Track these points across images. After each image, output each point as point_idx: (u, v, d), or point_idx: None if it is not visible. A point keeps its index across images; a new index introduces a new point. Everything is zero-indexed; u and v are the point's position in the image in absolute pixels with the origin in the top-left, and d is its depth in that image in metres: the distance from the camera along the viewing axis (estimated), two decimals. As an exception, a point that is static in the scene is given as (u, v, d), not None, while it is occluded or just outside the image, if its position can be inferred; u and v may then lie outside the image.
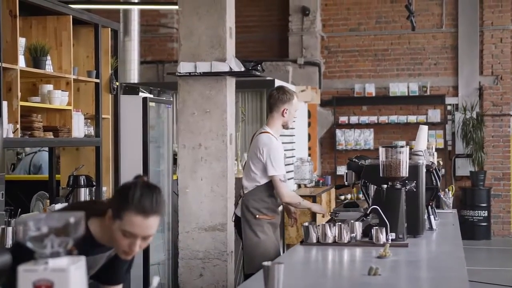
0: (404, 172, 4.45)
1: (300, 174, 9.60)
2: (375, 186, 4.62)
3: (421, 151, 5.17)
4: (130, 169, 6.13)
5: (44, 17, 5.15)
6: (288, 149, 9.92)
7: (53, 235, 1.79)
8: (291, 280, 3.22)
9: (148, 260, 6.22)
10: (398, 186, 4.46)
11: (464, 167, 12.63)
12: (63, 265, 1.77)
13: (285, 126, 5.24)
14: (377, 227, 4.27)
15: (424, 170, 4.77)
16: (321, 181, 10.91)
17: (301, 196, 8.75)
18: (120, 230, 2.53)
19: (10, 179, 7.26)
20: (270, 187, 5.11)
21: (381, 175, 4.48)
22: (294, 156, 10.19)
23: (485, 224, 12.33)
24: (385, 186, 4.45)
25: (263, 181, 5.09)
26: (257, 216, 5.10)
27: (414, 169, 4.60)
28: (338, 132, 13.01)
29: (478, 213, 12.29)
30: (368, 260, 3.74)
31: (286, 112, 5.16)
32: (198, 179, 5.66)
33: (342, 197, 12.16)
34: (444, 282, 3.30)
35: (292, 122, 5.28)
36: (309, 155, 12.17)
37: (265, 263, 2.81)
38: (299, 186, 10.37)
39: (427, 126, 5.80)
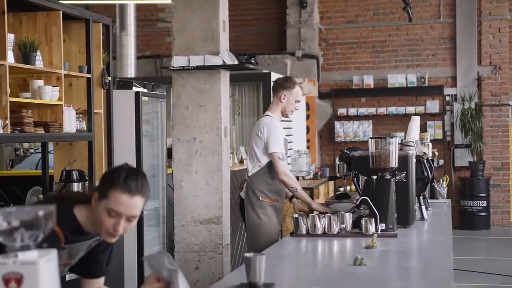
0: (394, 163, 4.46)
1: (298, 166, 9.61)
2: (365, 177, 4.62)
3: (412, 141, 5.18)
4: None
5: (34, 13, 5.16)
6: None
7: (23, 228, 1.80)
8: (275, 271, 3.24)
9: (143, 254, 6.25)
10: (388, 176, 4.47)
11: (463, 158, 12.64)
12: (33, 258, 1.78)
13: (283, 113, 5.36)
14: (366, 218, 4.28)
15: (414, 160, 4.77)
16: (319, 173, 10.92)
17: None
18: (105, 210, 2.60)
19: (7, 175, 7.30)
20: (273, 168, 5.20)
21: (370, 166, 4.49)
22: (292, 149, 10.20)
23: (484, 214, 12.35)
24: (374, 177, 4.46)
25: (264, 160, 5.21)
26: (260, 198, 5.21)
27: (403, 159, 4.61)
28: (337, 124, 13.01)
29: (477, 203, 12.30)
30: (356, 251, 3.75)
31: (284, 98, 5.31)
32: (193, 173, 5.67)
33: (342, 189, 12.16)
34: (426, 271, 3.31)
35: (291, 112, 5.36)
36: (308, 147, 12.18)
37: (247, 254, 2.82)
38: (297, 178, 10.38)
39: (419, 117, 5.80)
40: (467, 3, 12.67)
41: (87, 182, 5.57)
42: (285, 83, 5.35)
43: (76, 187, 5.43)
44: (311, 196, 9.21)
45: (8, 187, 6.48)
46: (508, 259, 9.92)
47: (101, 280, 2.98)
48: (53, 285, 1.84)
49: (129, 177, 2.61)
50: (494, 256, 10.23)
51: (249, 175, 5.30)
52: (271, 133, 5.16)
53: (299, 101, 5.37)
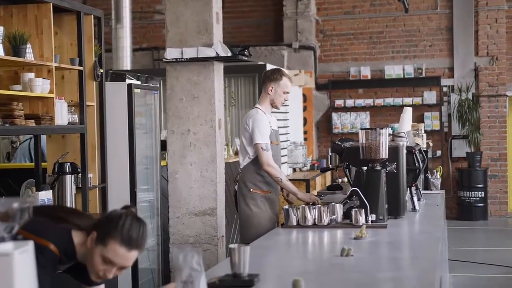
0: (384, 154, 4.47)
1: (294, 158, 9.62)
2: (356, 168, 4.63)
3: (403, 132, 5.18)
4: (117, 156, 6.15)
5: (24, 6, 5.15)
6: (282, 133, 9.94)
7: (-2, 220, 1.81)
8: (262, 262, 3.25)
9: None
10: (378, 167, 4.48)
11: (460, 148, 12.64)
12: (7, 250, 1.79)
13: (273, 105, 5.36)
14: (356, 209, 4.29)
15: (405, 151, 4.77)
16: (316, 164, 10.93)
17: (295, 179, 8.83)
18: (100, 256, 2.58)
19: (3, 167, 7.31)
20: None
21: (361, 157, 4.50)
22: (288, 140, 10.21)
23: (482, 204, 12.36)
24: (365, 168, 4.47)
25: (253, 152, 5.23)
26: (251, 189, 5.23)
27: (394, 150, 4.62)
28: (334, 116, 13.01)
29: (475, 194, 12.30)
30: (345, 242, 3.76)
31: (271, 90, 5.31)
32: (187, 165, 5.68)
33: (339, 180, 12.18)
34: (412, 262, 3.33)
35: (281, 103, 5.37)
36: (305, 139, 12.19)
37: (231, 246, 2.83)
38: (294, 170, 10.39)
39: (411, 108, 5.81)
40: (464, -7, 12.65)
41: (79, 174, 5.57)
42: (272, 75, 5.35)
43: (69, 179, 5.43)
44: (308, 187, 9.22)
45: (4, 180, 6.49)
46: (505, 250, 9.93)
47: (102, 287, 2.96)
48: (29, 276, 1.85)
49: (132, 229, 2.58)
50: (491, 246, 10.24)
51: (241, 167, 5.32)
52: (256, 124, 5.18)
53: (287, 92, 5.37)
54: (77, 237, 2.67)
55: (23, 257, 1.82)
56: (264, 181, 5.26)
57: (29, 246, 1.87)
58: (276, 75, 5.35)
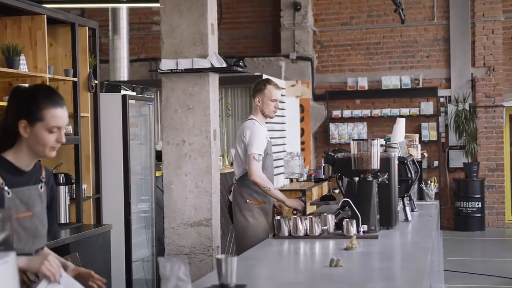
0: (376, 164, 4.47)
1: (290, 168, 9.64)
2: (348, 179, 4.64)
3: (396, 143, 5.19)
4: (111, 166, 6.17)
5: (18, 17, 5.18)
6: (279, 144, 9.97)
7: (-21, 231, 1.82)
8: (251, 273, 3.26)
9: (131, 256, 6.26)
10: (370, 178, 4.49)
11: (457, 159, 12.65)
12: (-12, 261, 1.80)
13: (264, 114, 5.44)
14: (348, 220, 4.30)
15: (397, 162, 4.78)
16: (313, 175, 10.94)
17: (292, 190, 8.85)
18: (45, 130, 2.73)
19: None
20: None
21: (353, 168, 4.51)
22: (285, 151, 10.23)
23: (479, 215, 12.35)
24: (356, 178, 4.48)
25: None
26: (248, 201, 5.30)
27: (386, 161, 4.62)
28: (332, 126, 13.03)
29: (472, 204, 12.30)
30: (336, 252, 3.76)
31: (259, 101, 5.43)
32: (182, 175, 5.69)
33: (337, 191, 12.18)
34: (400, 272, 3.33)
35: (273, 111, 5.41)
36: (303, 149, 12.21)
37: (218, 256, 2.84)
38: (291, 180, 10.40)
39: (404, 119, 5.82)
40: (461, 4, 12.69)
41: (73, 185, 5.59)
42: (256, 86, 5.48)
43: (63, 190, 5.44)
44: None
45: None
46: (502, 260, 9.92)
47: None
48: (10, 287, 1.86)
49: (51, 93, 2.78)
50: (488, 257, 10.24)
51: (236, 178, 5.36)
52: (252, 136, 5.26)
53: (275, 100, 5.42)
54: (8, 154, 2.77)
55: (4, 268, 1.83)
56: (259, 192, 5.29)
57: (11, 257, 1.88)
58: (260, 85, 5.46)
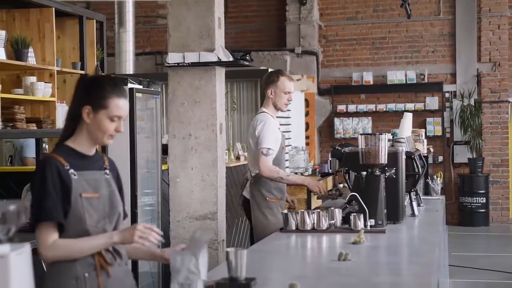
0: (383, 159, 4.47)
1: (295, 162, 9.63)
2: (355, 173, 4.64)
3: (403, 138, 5.19)
4: (118, 160, 6.14)
5: (27, 10, 5.19)
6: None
7: (-6, 222, 1.83)
8: (259, 266, 3.27)
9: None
10: (377, 172, 4.49)
11: (462, 154, 12.65)
12: (4, 252, 1.80)
13: (276, 107, 5.31)
14: (355, 214, 4.30)
15: (404, 157, 4.78)
16: (318, 169, 10.93)
17: (297, 184, 8.78)
18: (107, 117, 2.83)
19: (5, 170, 7.33)
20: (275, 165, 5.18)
21: (360, 162, 4.51)
22: (290, 145, 10.22)
23: (483, 210, 12.36)
24: (364, 173, 4.48)
25: None
26: (267, 198, 5.18)
27: (393, 156, 4.62)
28: (337, 121, 13.03)
29: (476, 199, 12.31)
30: (343, 246, 3.77)
31: (272, 93, 5.27)
32: (188, 169, 5.69)
33: (341, 185, 12.18)
34: (409, 267, 3.34)
35: (285, 104, 5.32)
36: (308, 144, 12.21)
37: (228, 249, 2.84)
38: (295, 174, 10.40)
39: (411, 114, 5.82)
40: (467, -1, 12.68)
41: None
42: (269, 78, 5.33)
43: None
44: (309, 191, 9.20)
45: (6, 183, 6.51)
46: (507, 256, 9.93)
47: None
48: (26, 279, 1.87)
49: (116, 83, 2.88)
50: (493, 252, 10.25)
51: (253, 174, 5.22)
52: (264, 129, 5.16)
53: (288, 92, 5.31)
54: (70, 142, 2.89)
55: (19, 259, 1.84)
56: (278, 187, 5.22)
57: (26, 248, 1.89)
58: (273, 77, 5.32)
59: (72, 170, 2.82)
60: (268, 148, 5.12)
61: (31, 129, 4.92)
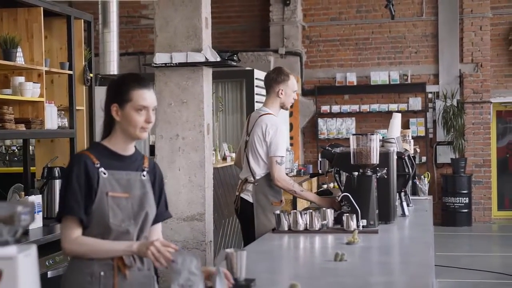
0: (375, 159, 4.48)
1: (281, 163, 9.63)
2: (347, 174, 4.65)
3: (393, 138, 5.21)
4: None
5: (15, 9, 5.14)
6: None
7: (1, 223, 1.81)
8: (256, 267, 3.25)
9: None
10: (369, 173, 4.50)
11: (445, 154, 12.72)
12: (12, 253, 1.78)
13: (283, 107, 5.16)
14: (347, 214, 4.31)
15: (395, 157, 4.80)
16: (302, 170, 10.95)
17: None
18: (134, 110, 2.86)
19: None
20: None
21: (352, 162, 4.51)
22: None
23: (466, 210, 12.44)
24: (356, 173, 4.49)
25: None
26: (273, 203, 5.04)
27: (385, 156, 4.64)
28: (320, 121, 13.05)
29: (459, 199, 12.39)
30: (337, 247, 3.77)
31: (282, 93, 5.09)
32: (175, 170, 5.68)
33: (325, 186, 12.21)
34: (406, 267, 3.34)
35: (291, 103, 5.22)
36: (292, 144, 12.22)
37: (228, 250, 2.83)
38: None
39: (400, 114, 5.83)
40: (449, 1, 12.75)
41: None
42: (279, 77, 5.09)
43: (58, 184, 5.40)
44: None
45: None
46: (489, 255, 10.01)
47: (158, 227, 3.14)
48: (33, 280, 1.85)
49: (138, 77, 2.93)
50: (475, 252, 10.31)
51: (257, 177, 5.03)
52: (277, 136, 4.97)
53: (295, 91, 5.16)
54: (106, 142, 2.93)
55: (27, 261, 1.82)
56: (278, 190, 5.07)
57: (33, 249, 1.87)
58: (284, 76, 5.09)
59: (102, 169, 2.86)
60: (282, 157, 4.95)
61: (20, 130, 4.87)
